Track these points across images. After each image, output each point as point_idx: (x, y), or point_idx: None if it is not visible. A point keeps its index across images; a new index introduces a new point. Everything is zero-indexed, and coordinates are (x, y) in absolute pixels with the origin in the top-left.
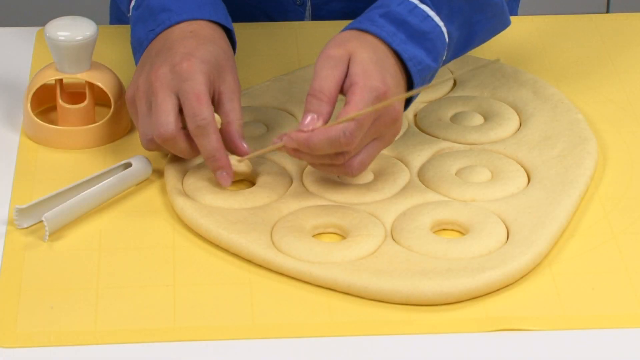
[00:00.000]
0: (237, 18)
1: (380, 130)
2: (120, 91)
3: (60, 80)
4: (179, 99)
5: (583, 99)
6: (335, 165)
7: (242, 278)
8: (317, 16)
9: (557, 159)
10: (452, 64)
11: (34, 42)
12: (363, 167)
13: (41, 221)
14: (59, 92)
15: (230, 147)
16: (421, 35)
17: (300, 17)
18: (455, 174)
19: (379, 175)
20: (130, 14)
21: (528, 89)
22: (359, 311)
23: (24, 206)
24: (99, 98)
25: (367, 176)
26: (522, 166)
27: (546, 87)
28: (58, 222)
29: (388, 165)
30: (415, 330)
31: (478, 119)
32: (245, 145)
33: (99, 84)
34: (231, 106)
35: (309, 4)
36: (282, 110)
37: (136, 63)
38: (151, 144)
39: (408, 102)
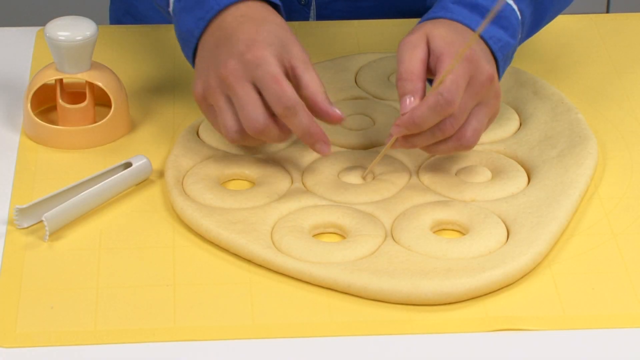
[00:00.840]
0: None
1: (479, 93)
2: (121, 91)
3: (60, 80)
4: (256, 88)
5: (583, 99)
6: (450, 140)
7: (242, 278)
8: (321, 15)
9: (557, 159)
10: None
11: (34, 42)
12: (476, 134)
13: (41, 221)
14: (59, 92)
15: (323, 117)
16: (495, 14)
17: (305, 17)
18: (455, 174)
19: (380, 175)
20: (172, 7)
21: (528, 89)
22: (359, 311)
23: (24, 206)
24: (99, 98)
25: (368, 176)
26: (522, 166)
27: (546, 87)
28: (58, 222)
29: (388, 165)
30: (415, 330)
31: None
32: (337, 110)
33: (99, 84)
34: (308, 77)
35: (313, 3)
36: None
37: (187, 54)
38: (238, 136)
39: (499, 73)
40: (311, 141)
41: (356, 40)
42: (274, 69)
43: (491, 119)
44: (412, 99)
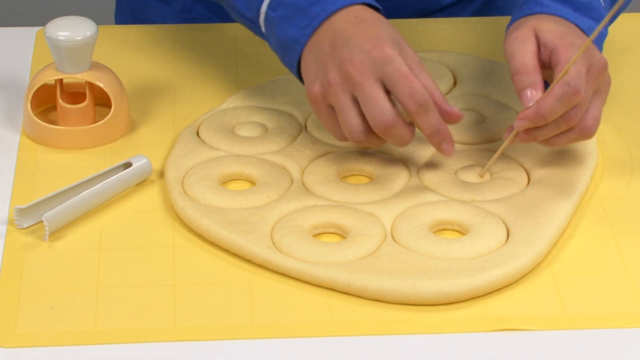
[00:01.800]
0: None
1: (596, 81)
2: (121, 91)
3: (60, 80)
4: (383, 86)
5: None
6: (572, 131)
7: (242, 278)
8: None
9: (557, 159)
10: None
11: (34, 42)
12: (596, 122)
13: (41, 221)
14: (59, 92)
15: (443, 116)
16: (585, 6)
17: None
18: (455, 174)
19: (379, 175)
20: (264, 16)
21: None
22: (359, 311)
23: (24, 206)
24: (99, 98)
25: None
26: (522, 166)
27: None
28: (58, 222)
29: (388, 165)
30: (415, 330)
31: (478, 119)
32: (455, 109)
33: (99, 84)
34: (425, 76)
35: None
36: (282, 111)
37: (288, 62)
38: (363, 136)
39: None
40: (438, 140)
41: None
42: (404, 67)
43: (604, 104)
44: (533, 91)
